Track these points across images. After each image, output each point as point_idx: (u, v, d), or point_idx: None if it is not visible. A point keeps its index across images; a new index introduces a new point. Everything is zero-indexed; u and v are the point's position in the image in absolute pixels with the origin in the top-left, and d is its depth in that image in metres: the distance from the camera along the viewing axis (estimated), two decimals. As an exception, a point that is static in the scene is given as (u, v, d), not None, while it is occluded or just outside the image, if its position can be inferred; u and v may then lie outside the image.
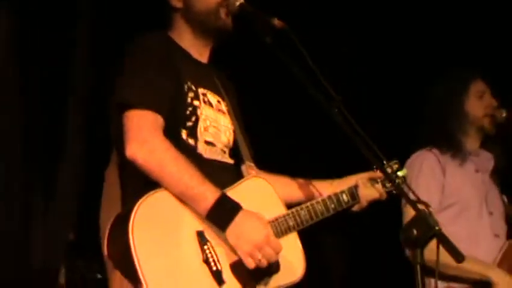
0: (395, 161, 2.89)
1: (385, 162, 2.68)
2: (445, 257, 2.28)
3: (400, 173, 2.84)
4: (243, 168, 2.75)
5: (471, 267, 3.22)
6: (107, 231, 2.37)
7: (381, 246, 3.05)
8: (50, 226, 5.99)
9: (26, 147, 6.09)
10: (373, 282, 5.59)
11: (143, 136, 2.31)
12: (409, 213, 2.95)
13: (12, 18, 6.14)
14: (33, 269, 5.79)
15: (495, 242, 3.37)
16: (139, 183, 2.40)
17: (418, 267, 2.25)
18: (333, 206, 2.68)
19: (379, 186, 2.79)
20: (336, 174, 2.87)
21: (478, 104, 3.59)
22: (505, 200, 3.64)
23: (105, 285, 2.61)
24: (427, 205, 2.45)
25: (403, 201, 2.94)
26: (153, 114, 2.37)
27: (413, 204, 2.38)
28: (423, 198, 2.77)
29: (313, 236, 2.77)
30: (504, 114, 3.27)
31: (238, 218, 2.33)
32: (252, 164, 2.77)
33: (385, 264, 3.43)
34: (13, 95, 5.70)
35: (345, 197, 2.74)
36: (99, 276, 4.45)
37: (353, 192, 2.76)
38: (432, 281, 3.08)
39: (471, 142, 3.54)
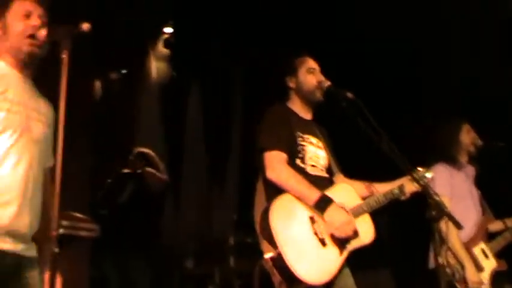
0: (425, 168, 3.74)
1: (418, 169, 3.60)
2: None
3: (427, 175, 3.66)
4: (335, 178, 3.70)
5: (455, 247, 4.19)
6: (259, 217, 3.39)
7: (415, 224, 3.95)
8: (223, 210, 7.64)
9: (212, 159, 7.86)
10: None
11: (274, 166, 3.39)
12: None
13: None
14: (214, 233, 7.30)
15: (476, 217, 4.44)
16: (275, 190, 3.41)
17: (436, 232, 3.25)
18: (389, 196, 3.62)
19: (415, 183, 3.53)
20: (387, 179, 3.74)
21: None
22: (479, 192, 4.57)
23: (258, 248, 3.46)
24: (439, 196, 3.29)
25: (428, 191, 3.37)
26: (279, 152, 3.43)
27: (432, 196, 3.26)
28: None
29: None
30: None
31: (331, 207, 3.33)
32: (341, 175, 3.74)
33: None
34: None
35: (396, 191, 3.64)
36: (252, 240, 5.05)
37: (401, 189, 3.65)
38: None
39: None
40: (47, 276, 2.72)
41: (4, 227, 2.49)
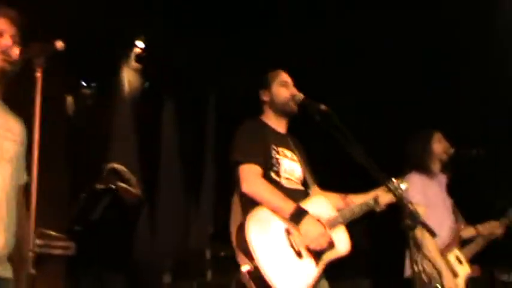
0: (400, 178, 3.70)
1: (393, 179, 3.58)
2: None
3: (402, 185, 3.64)
4: (310, 191, 3.72)
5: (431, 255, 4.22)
6: (235, 231, 3.40)
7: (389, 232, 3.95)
8: (199, 223, 7.78)
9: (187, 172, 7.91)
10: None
11: (249, 179, 3.41)
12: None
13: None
14: (190, 248, 7.31)
15: (450, 224, 4.50)
16: (251, 203, 3.42)
17: (411, 241, 3.26)
18: (364, 208, 3.66)
19: (390, 194, 3.57)
20: (362, 189, 3.79)
21: None
22: (451, 200, 4.63)
23: (235, 261, 3.40)
24: (413, 205, 3.32)
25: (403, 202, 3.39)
26: (254, 166, 3.45)
27: (407, 205, 3.29)
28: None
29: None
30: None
31: (306, 219, 3.34)
32: (316, 187, 3.76)
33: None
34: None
35: (371, 202, 3.68)
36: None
37: (376, 200, 3.68)
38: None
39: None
40: None
41: None
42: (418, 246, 4.03)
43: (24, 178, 2.78)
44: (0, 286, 2.57)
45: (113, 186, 6.20)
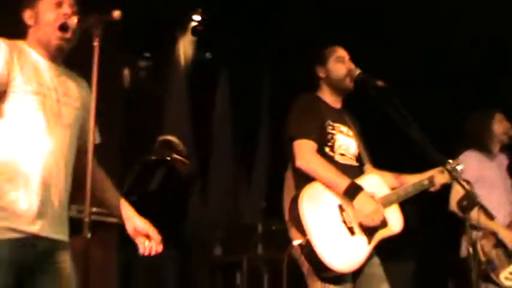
0: (455, 161, 3.62)
1: (450, 161, 3.54)
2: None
3: (458, 167, 3.54)
4: (364, 168, 3.69)
5: (491, 225, 4.18)
6: (288, 205, 3.39)
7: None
8: (252, 197, 7.83)
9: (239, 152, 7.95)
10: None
11: (304, 154, 3.39)
12: (458, 191, 3.72)
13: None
14: (242, 222, 7.40)
15: (509, 206, 4.40)
16: (304, 178, 3.41)
17: (467, 222, 3.31)
18: (418, 188, 3.61)
19: (446, 175, 3.59)
20: (416, 169, 3.74)
21: None
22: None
23: (286, 236, 3.45)
24: (471, 187, 3.39)
25: (454, 183, 3.63)
26: (309, 141, 3.43)
27: (464, 187, 3.36)
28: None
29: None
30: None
31: (360, 195, 3.32)
32: (370, 165, 3.72)
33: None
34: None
35: (425, 182, 3.63)
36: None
37: (431, 180, 3.63)
38: (474, 232, 3.90)
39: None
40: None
41: (35, 211, 2.54)
42: (475, 227, 3.95)
43: (97, 139, 2.91)
44: (59, 248, 2.66)
45: (168, 158, 6.25)
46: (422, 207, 5.66)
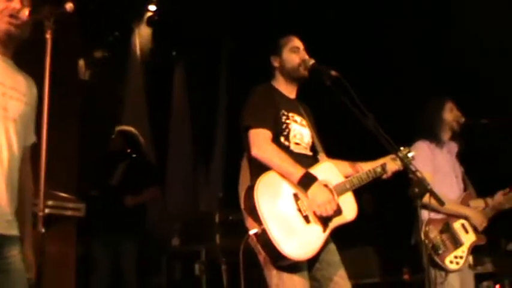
0: (407, 147, 3.80)
1: (401, 148, 3.66)
2: (434, 203, 3.47)
3: (409, 154, 3.74)
4: (318, 157, 3.73)
5: (451, 208, 4.31)
6: (243, 194, 3.42)
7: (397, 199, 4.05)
8: (209, 187, 7.87)
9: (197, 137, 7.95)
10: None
11: (259, 143, 3.42)
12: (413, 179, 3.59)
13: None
14: (200, 211, 7.47)
15: (459, 193, 4.52)
16: (260, 168, 3.43)
17: (418, 209, 3.42)
18: (371, 175, 3.68)
19: (398, 162, 3.70)
20: (369, 157, 3.81)
21: None
22: (462, 169, 4.66)
23: (243, 226, 3.45)
24: (421, 173, 3.45)
25: (410, 170, 3.56)
26: (264, 130, 3.45)
27: (415, 173, 3.43)
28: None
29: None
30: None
31: (315, 185, 3.35)
32: (323, 154, 3.76)
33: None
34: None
35: (378, 170, 3.71)
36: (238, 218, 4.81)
37: (383, 167, 3.72)
38: (425, 212, 3.94)
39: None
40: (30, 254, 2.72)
41: None
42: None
43: (32, 138, 2.82)
44: (6, 243, 2.60)
45: (128, 151, 6.24)
46: (378, 194, 5.74)
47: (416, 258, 4.04)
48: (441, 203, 3.46)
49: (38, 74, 2.72)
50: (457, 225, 4.43)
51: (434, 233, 4.29)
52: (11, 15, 2.66)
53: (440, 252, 4.26)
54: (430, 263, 3.93)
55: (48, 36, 2.49)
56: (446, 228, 4.37)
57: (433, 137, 4.59)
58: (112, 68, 7.70)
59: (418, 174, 3.43)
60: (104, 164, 6.39)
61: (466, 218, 4.43)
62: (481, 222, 4.43)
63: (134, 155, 6.29)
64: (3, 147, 2.61)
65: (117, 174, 6.22)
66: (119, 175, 6.22)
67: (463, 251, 4.35)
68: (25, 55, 2.85)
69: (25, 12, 2.66)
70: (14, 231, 2.64)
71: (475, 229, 4.45)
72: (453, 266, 4.29)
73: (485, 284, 5.93)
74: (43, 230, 2.47)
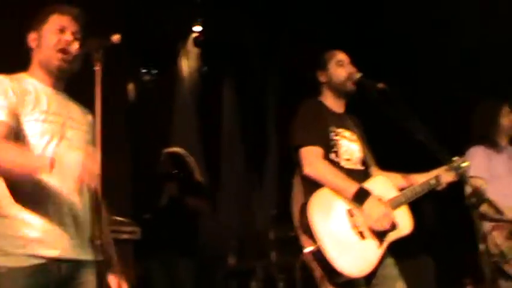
0: (461, 157, 3.64)
1: (454, 159, 3.54)
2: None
3: (463, 164, 3.54)
4: (370, 171, 3.72)
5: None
6: (297, 212, 3.46)
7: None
8: (262, 205, 7.87)
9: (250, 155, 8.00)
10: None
11: (311, 161, 3.44)
12: (469, 188, 3.60)
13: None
14: (254, 230, 7.41)
15: None
16: (312, 185, 3.45)
17: (477, 218, 3.30)
18: (426, 187, 3.63)
19: (452, 173, 3.60)
20: (423, 169, 3.77)
21: None
22: None
23: (297, 242, 3.49)
24: (477, 182, 3.46)
25: (466, 181, 3.54)
26: (315, 148, 3.48)
27: (471, 183, 3.44)
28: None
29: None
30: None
31: (369, 200, 3.35)
32: (376, 167, 3.76)
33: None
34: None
35: (432, 182, 3.66)
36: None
37: (438, 179, 3.67)
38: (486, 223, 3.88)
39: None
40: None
41: (56, 234, 2.57)
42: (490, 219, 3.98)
43: None
44: (81, 269, 2.65)
45: (175, 171, 6.29)
46: (438, 205, 5.65)
47: (478, 269, 3.94)
48: (500, 212, 3.52)
49: (89, 102, 2.75)
50: None
51: (500, 239, 4.15)
52: (62, 50, 2.75)
53: (508, 259, 4.13)
54: (497, 273, 3.88)
55: (97, 68, 2.54)
56: None
57: (489, 142, 4.43)
58: (161, 90, 7.79)
59: (474, 183, 3.46)
60: (154, 187, 6.45)
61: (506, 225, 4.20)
62: None
63: (182, 174, 6.32)
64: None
65: (164, 196, 6.27)
66: (167, 196, 6.26)
67: None
68: (76, 85, 2.92)
69: (75, 46, 2.75)
70: (90, 256, 2.67)
71: None
72: None
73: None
74: (101, 258, 2.50)
